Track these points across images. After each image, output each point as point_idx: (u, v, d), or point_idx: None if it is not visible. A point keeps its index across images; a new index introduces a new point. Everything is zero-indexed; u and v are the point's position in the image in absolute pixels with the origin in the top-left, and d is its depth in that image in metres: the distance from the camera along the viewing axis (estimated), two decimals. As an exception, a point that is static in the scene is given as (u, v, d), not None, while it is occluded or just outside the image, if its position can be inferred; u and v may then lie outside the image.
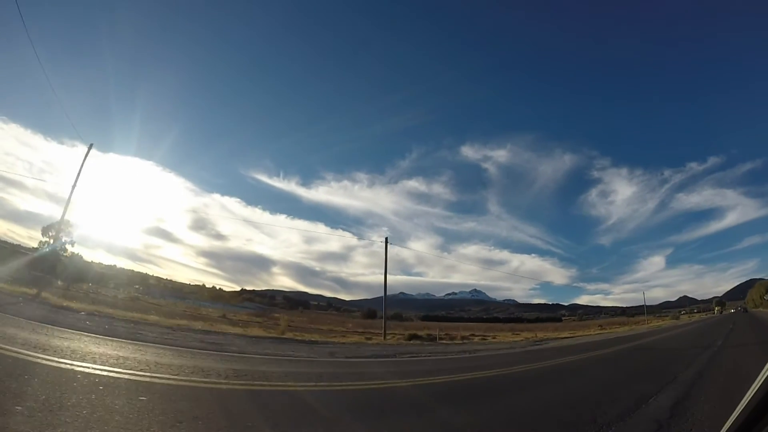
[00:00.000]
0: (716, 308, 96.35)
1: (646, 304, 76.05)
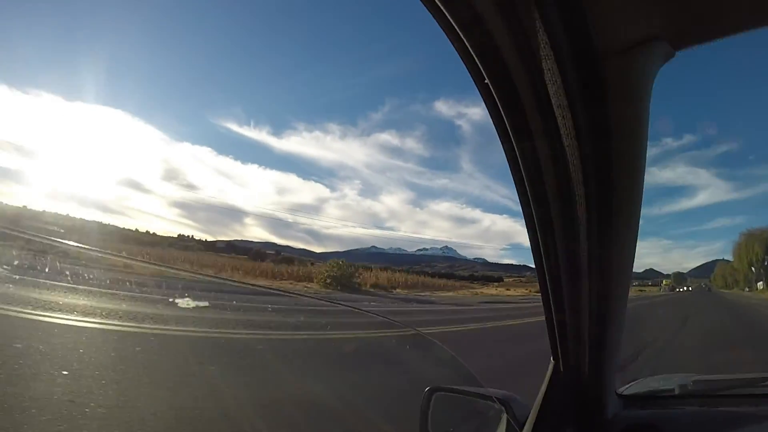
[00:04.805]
0: (665, 283, 76.98)
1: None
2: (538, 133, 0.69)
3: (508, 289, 43.97)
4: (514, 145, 0.72)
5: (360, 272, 28.07)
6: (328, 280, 23.03)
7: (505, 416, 1.10)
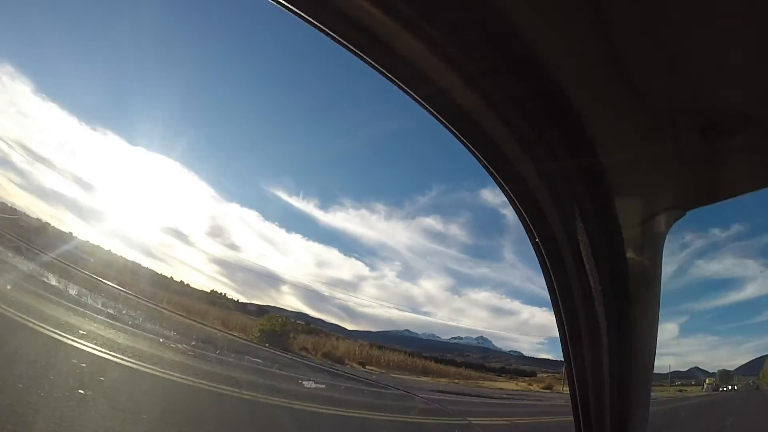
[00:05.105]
0: (708, 383, 63.73)
1: (657, 372, 58.68)
2: (575, 288, 0.89)
3: (530, 384, 39.34)
4: (553, 279, 0.93)
5: (299, 336, 26.55)
6: (258, 333, 22.96)
7: None
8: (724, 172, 0.69)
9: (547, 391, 33.23)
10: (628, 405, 1.00)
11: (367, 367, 23.83)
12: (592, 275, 0.83)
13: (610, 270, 0.83)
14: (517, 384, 37.55)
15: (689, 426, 14.18)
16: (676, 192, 0.72)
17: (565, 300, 0.94)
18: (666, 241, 0.81)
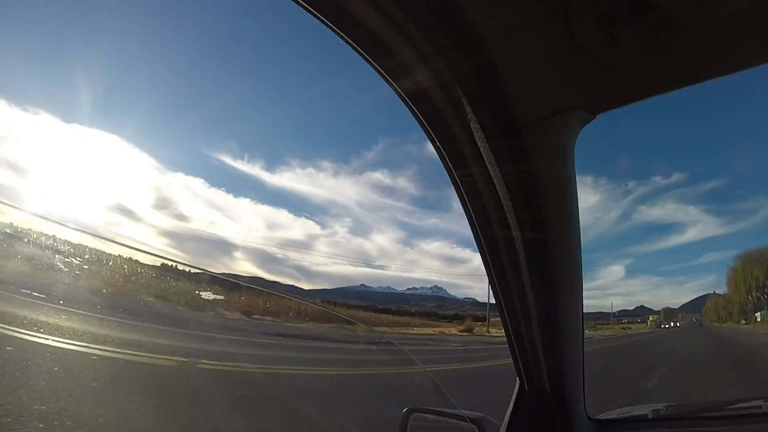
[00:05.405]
0: (651, 319, 73.81)
1: (604, 311, 73.08)
2: (482, 185, 0.80)
3: (448, 329, 36.11)
4: (467, 200, 0.85)
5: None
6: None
7: None
8: (626, 68, 0.65)
9: (466, 333, 31.50)
10: (558, 339, 1.00)
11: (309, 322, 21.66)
12: (500, 186, 0.78)
13: (517, 179, 0.77)
14: (433, 330, 35.16)
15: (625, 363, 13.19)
16: (578, 91, 0.67)
17: (482, 228, 0.88)
18: (576, 149, 0.76)
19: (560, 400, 1.08)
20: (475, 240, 0.93)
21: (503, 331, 1.05)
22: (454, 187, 0.86)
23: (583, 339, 1.06)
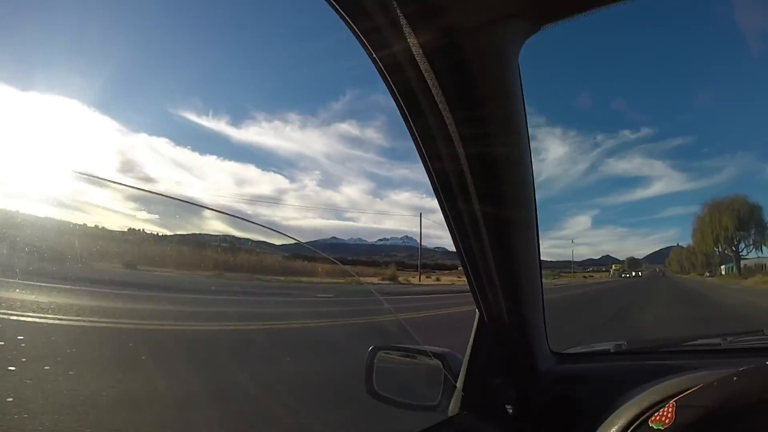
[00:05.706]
0: (614, 269, 76.16)
1: (570, 260, 78.19)
2: (428, 109, 0.74)
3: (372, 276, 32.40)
4: (412, 124, 0.78)
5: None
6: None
7: (443, 370, 1.16)
8: None
9: (389, 282, 28.73)
10: (515, 272, 1.02)
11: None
12: (447, 117, 0.74)
13: (458, 95, 0.72)
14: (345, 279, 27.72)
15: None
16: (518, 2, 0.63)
17: (435, 166, 0.85)
18: (521, 64, 0.73)
19: (520, 332, 1.11)
20: (430, 182, 0.89)
21: (462, 265, 1.05)
22: (402, 117, 0.79)
23: (541, 275, 1.08)
